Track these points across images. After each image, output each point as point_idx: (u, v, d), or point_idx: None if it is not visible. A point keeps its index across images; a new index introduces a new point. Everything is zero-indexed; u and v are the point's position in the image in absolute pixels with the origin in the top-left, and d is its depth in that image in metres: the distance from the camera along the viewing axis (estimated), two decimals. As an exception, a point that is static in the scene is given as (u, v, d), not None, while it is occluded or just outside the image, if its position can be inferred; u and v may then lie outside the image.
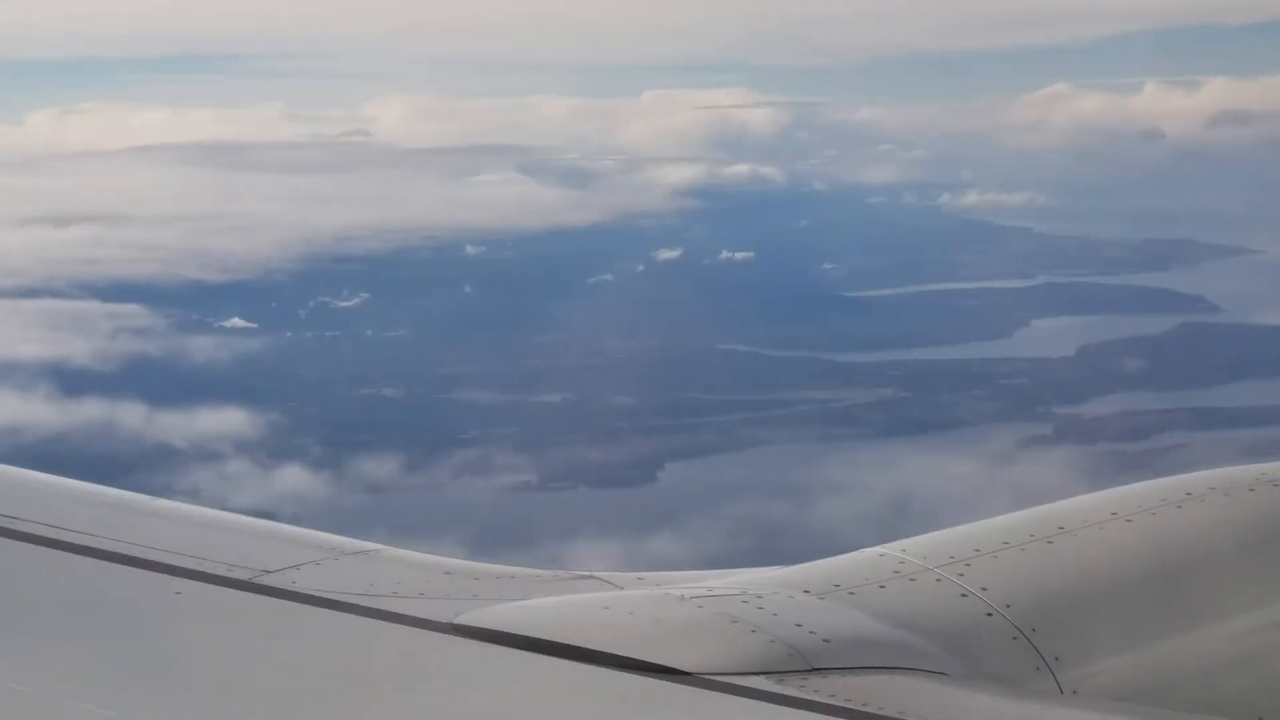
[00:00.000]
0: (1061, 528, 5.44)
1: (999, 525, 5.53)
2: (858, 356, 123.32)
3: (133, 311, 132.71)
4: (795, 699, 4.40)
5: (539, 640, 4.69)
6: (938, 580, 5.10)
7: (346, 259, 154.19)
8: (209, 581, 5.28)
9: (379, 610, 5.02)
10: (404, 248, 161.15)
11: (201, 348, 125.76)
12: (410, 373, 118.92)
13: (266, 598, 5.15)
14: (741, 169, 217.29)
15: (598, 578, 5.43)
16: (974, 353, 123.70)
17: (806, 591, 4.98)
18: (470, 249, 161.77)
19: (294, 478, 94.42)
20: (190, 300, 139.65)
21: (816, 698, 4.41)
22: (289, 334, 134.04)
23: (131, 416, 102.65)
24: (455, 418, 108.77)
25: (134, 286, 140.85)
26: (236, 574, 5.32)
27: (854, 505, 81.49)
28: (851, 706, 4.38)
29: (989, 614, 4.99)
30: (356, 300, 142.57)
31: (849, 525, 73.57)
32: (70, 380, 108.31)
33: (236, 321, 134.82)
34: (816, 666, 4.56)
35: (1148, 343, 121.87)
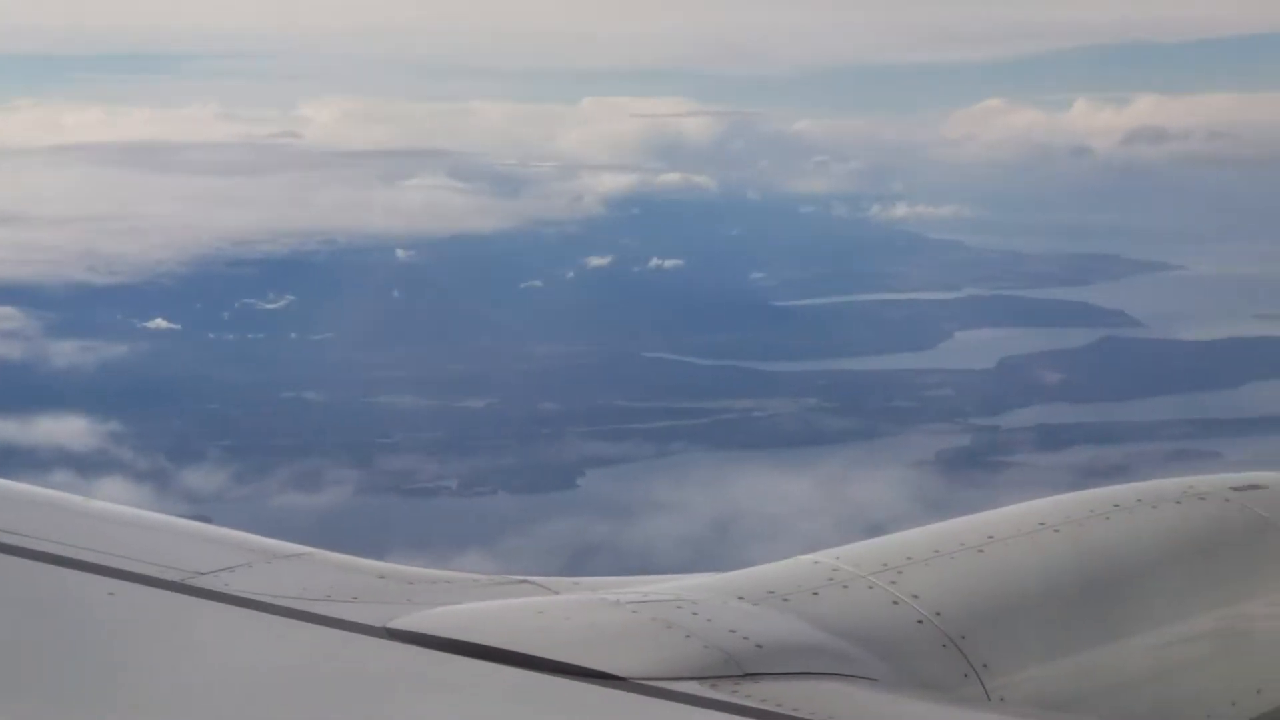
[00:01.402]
0: (991, 537, 5.49)
1: (931, 534, 5.58)
2: (783, 366, 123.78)
3: (5, 314, 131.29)
4: (727, 704, 4.42)
5: (473, 645, 4.67)
6: (870, 588, 5.13)
7: (270, 262, 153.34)
8: (142, 583, 5.20)
9: (312, 613, 4.98)
10: (332, 251, 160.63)
11: (93, 351, 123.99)
12: (334, 377, 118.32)
13: (199, 599, 5.09)
14: (675, 177, 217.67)
15: (533, 582, 5.44)
16: (898, 363, 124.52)
17: (741, 598, 4.99)
18: (400, 253, 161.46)
19: (211, 481, 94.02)
20: (93, 302, 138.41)
21: (748, 703, 4.43)
22: (211, 335, 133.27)
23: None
24: (378, 422, 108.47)
25: (13, 289, 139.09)
26: (169, 575, 5.25)
27: (768, 513, 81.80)
28: (782, 712, 4.41)
29: (920, 621, 5.04)
30: (282, 303, 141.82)
31: (763, 533, 73.88)
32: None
33: (160, 323, 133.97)
34: (749, 672, 4.59)
35: (1068, 356, 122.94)
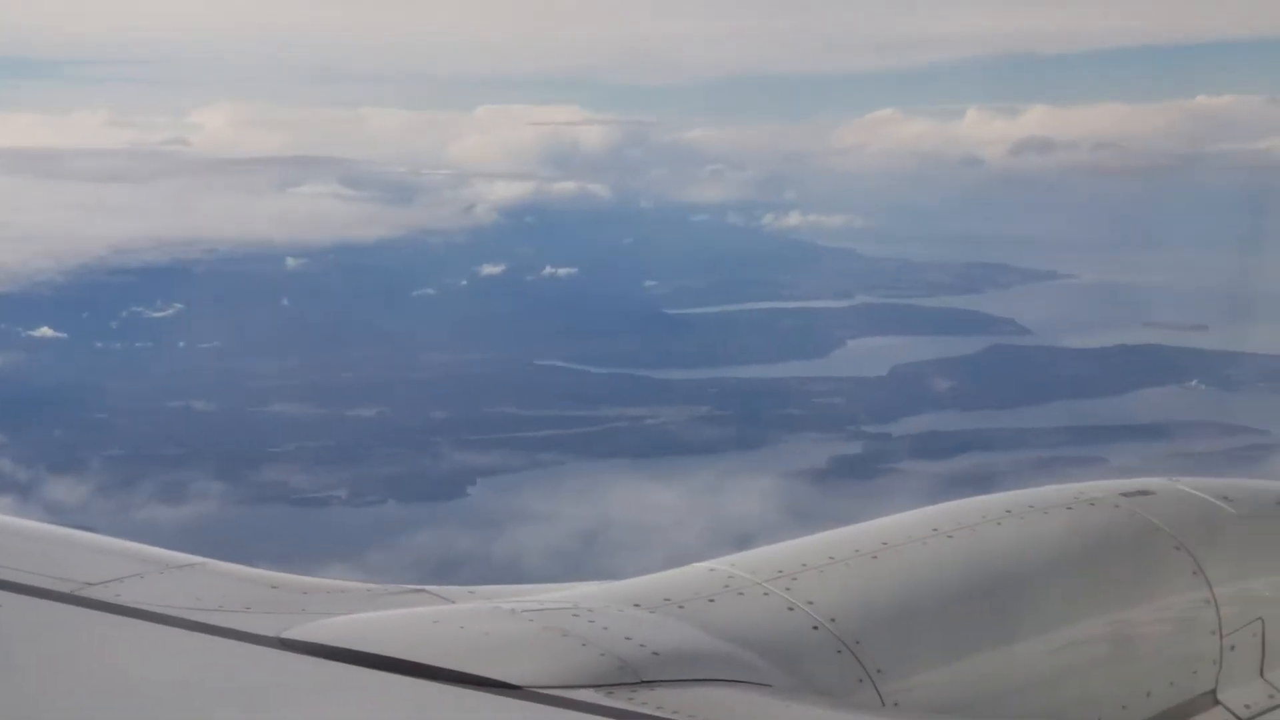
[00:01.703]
0: (885, 543, 5.55)
1: (826, 540, 5.62)
2: (675, 374, 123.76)
3: None
4: (624, 712, 4.43)
5: (369, 654, 4.64)
6: (766, 594, 5.17)
7: (158, 270, 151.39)
8: (30, 594, 5.12)
9: (204, 624, 4.94)
10: (221, 259, 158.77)
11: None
12: (223, 386, 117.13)
13: (89, 611, 5.03)
14: (569, 185, 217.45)
15: (428, 591, 5.43)
16: (790, 371, 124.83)
17: (637, 605, 5.02)
18: (290, 261, 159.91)
19: (94, 491, 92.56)
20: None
21: (645, 710, 4.45)
22: (98, 344, 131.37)
23: None
24: (266, 432, 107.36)
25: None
26: (58, 587, 5.18)
27: (650, 521, 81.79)
28: (678, 719, 4.42)
29: (815, 627, 5.08)
30: (170, 311, 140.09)
31: (645, 541, 73.87)
32: None
33: (45, 331, 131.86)
34: (645, 679, 4.60)
35: (958, 364, 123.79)
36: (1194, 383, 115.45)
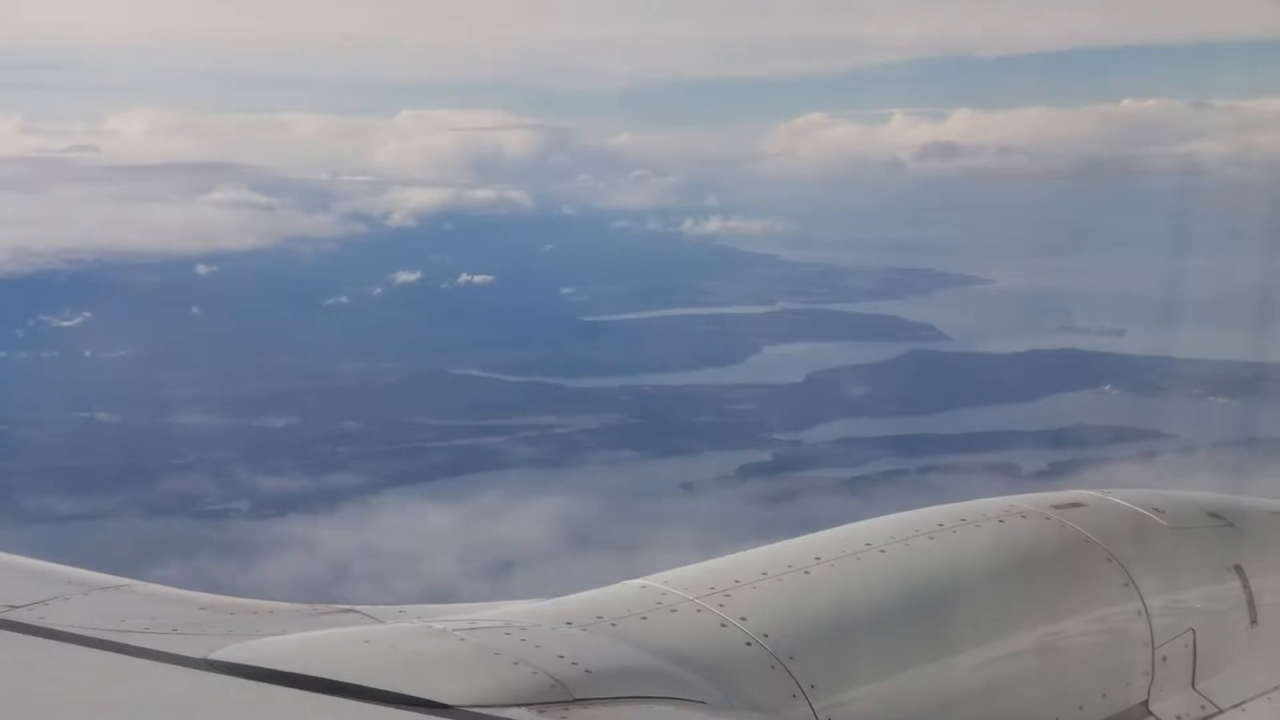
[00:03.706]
0: (818, 558, 5.55)
1: (758, 556, 5.62)
2: (590, 382, 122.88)
3: None
4: None
5: (298, 675, 4.59)
6: (698, 611, 5.18)
7: (66, 279, 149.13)
8: None
9: (131, 646, 4.90)
10: (130, 267, 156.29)
11: None
12: (129, 396, 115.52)
13: (14, 634, 5.03)
14: (488, 192, 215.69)
15: (358, 611, 5.44)
16: (705, 378, 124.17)
17: (569, 623, 5.01)
18: (200, 269, 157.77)
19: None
20: None
21: None
22: (2, 354, 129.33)
23: None
24: (171, 442, 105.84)
25: None
26: None
27: (547, 530, 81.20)
28: None
29: (748, 643, 5.08)
30: (77, 320, 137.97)
31: (535, 549, 73.28)
32: None
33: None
34: (578, 697, 4.57)
35: (874, 370, 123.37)
36: (1107, 387, 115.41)
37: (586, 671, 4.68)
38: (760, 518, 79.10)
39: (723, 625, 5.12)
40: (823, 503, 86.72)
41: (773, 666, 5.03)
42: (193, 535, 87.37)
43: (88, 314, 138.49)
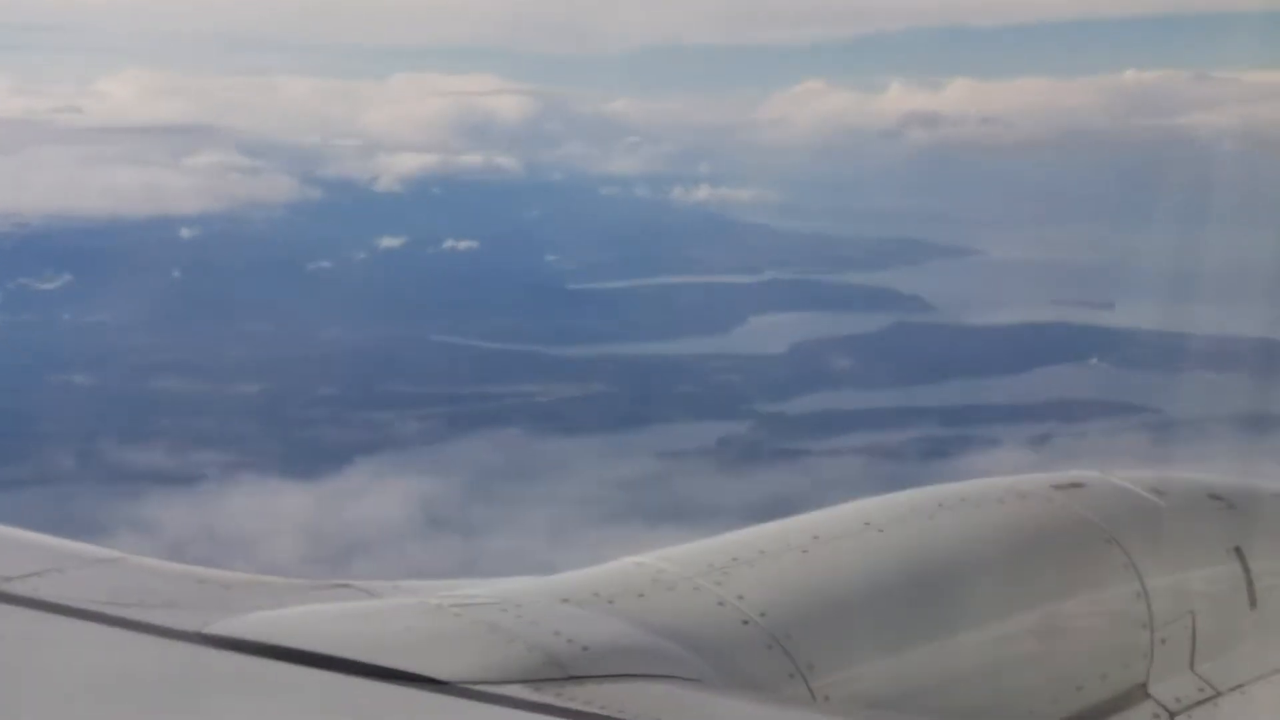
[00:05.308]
0: (817, 537, 5.54)
1: (756, 534, 5.60)
2: (572, 350, 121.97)
3: None
4: (552, 707, 4.39)
5: (293, 649, 4.59)
6: (695, 589, 5.17)
7: (42, 240, 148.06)
8: None
9: (125, 619, 4.88)
10: (113, 230, 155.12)
11: None
12: (107, 360, 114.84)
13: (7, 606, 5.00)
14: (477, 158, 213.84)
15: (353, 586, 5.46)
16: (689, 348, 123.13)
17: (566, 600, 5.00)
18: (184, 232, 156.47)
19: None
20: None
21: (573, 705, 4.41)
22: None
23: None
24: (147, 407, 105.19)
25: None
26: None
27: (520, 499, 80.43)
28: (607, 714, 4.39)
29: (745, 622, 5.07)
30: (57, 283, 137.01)
31: (507, 519, 72.61)
32: None
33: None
34: (574, 674, 4.57)
35: (859, 341, 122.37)
36: (1093, 361, 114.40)
37: (583, 648, 4.67)
38: (736, 490, 78.23)
39: (720, 604, 5.12)
40: (799, 473, 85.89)
41: (770, 645, 5.03)
42: (154, 501, 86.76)
43: (68, 277, 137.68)
